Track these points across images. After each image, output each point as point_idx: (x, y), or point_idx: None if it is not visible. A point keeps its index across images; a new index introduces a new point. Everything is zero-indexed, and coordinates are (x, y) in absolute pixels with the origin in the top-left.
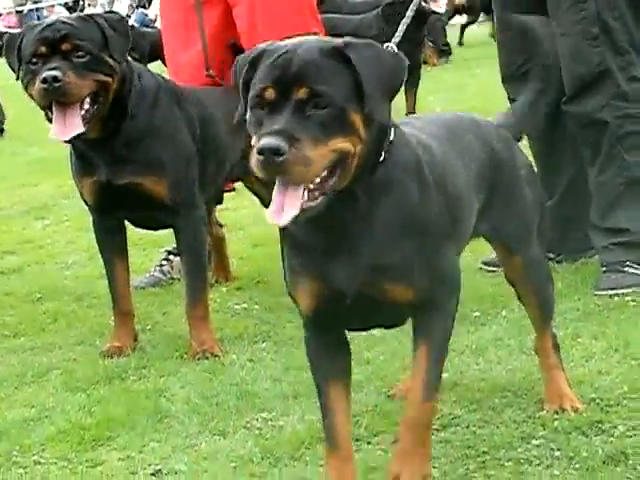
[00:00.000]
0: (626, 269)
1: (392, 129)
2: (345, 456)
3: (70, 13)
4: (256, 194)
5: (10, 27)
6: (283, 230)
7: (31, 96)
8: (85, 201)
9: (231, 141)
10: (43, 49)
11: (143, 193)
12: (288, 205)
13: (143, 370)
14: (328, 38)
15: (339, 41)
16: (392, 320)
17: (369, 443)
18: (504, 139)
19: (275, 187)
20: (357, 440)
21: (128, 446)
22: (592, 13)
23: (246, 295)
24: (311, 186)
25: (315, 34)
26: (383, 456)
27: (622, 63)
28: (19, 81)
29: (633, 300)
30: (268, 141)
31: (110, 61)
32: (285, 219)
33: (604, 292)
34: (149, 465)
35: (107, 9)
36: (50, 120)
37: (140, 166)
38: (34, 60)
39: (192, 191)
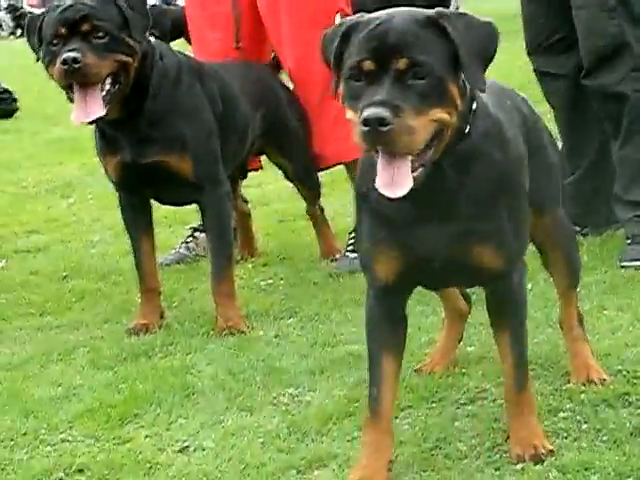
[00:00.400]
0: None
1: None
2: (385, 428)
3: None
4: (280, 167)
5: (33, 6)
6: (363, 203)
7: (52, 76)
8: (110, 179)
9: (253, 115)
10: (63, 30)
11: (168, 171)
12: (400, 177)
13: (169, 347)
14: (419, 9)
15: (432, 11)
16: (466, 284)
17: (396, 417)
18: (528, 104)
19: (380, 159)
20: None
21: (155, 423)
22: None
23: (271, 271)
24: (411, 157)
25: (341, 10)
26: (410, 430)
27: None
28: (39, 62)
29: None
30: (373, 111)
31: (130, 41)
32: (400, 192)
33: (629, 264)
34: (176, 442)
35: None
36: (71, 100)
37: (164, 144)
38: (54, 41)
39: (216, 167)
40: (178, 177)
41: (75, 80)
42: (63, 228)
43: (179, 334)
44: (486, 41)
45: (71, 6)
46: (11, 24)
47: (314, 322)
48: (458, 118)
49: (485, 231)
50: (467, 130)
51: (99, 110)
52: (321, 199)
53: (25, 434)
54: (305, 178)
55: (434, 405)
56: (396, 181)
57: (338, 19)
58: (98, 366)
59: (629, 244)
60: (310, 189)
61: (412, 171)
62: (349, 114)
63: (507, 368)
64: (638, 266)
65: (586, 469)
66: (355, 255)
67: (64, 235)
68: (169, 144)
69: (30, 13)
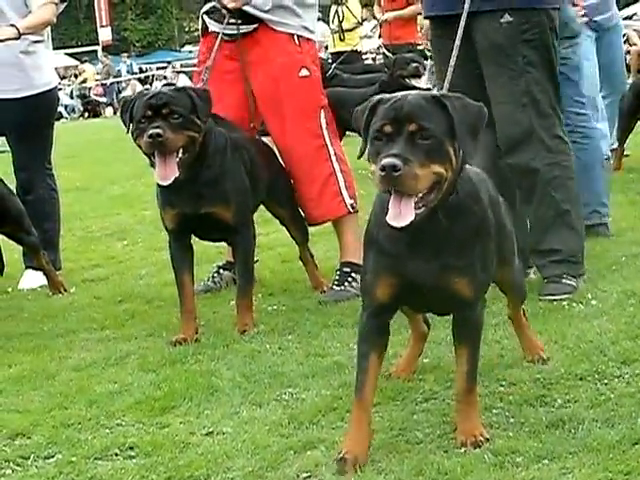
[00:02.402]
0: (563, 280)
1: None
2: (366, 407)
3: (142, 85)
4: (276, 215)
5: (97, 95)
6: (370, 243)
7: (139, 146)
8: (165, 226)
9: (264, 176)
10: (149, 112)
11: (215, 218)
12: (404, 212)
13: (199, 356)
14: (426, 91)
15: (437, 92)
16: (441, 309)
17: None
18: (491, 183)
19: (391, 199)
20: None
21: (187, 413)
22: (523, 88)
23: (276, 299)
24: (416, 199)
25: (324, 107)
26: (380, 421)
27: (545, 124)
28: (128, 134)
29: (568, 304)
30: (388, 161)
31: (197, 121)
32: (404, 222)
33: (546, 298)
34: (203, 427)
35: (170, 80)
36: (152, 165)
37: (215, 199)
38: (142, 120)
39: (248, 215)
40: (222, 223)
41: (157, 149)
42: (119, 264)
43: (206, 346)
44: (476, 118)
45: (156, 94)
46: (81, 108)
47: (308, 338)
48: (453, 174)
49: (462, 266)
50: (458, 190)
51: (175, 173)
52: (311, 246)
53: (89, 419)
54: (296, 222)
55: (398, 403)
56: (402, 215)
57: (322, 113)
58: (144, 369)
59: (546, 283)
60: (300, 231)
61: (416, 209)
62: (372, 167)
63: (460, 375)
64: (552, 299)
65: (513, 453)
66: (339, 288)
67: (119, 269)
68: (218, 199)
69: (96, 100)
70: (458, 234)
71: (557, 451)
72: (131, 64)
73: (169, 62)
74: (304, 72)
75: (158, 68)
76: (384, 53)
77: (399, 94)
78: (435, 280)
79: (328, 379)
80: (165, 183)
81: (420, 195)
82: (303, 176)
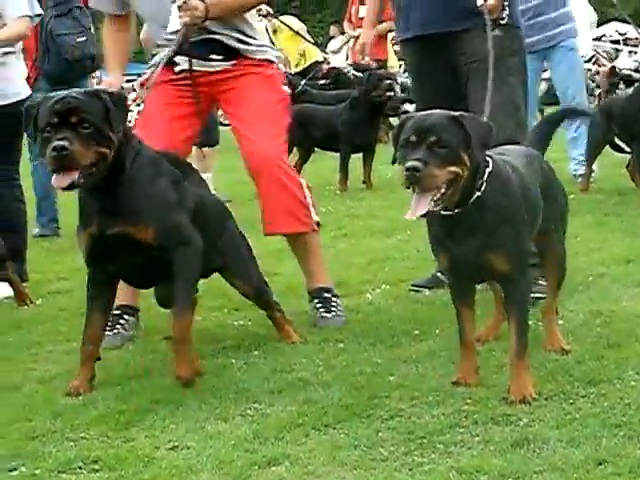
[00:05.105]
0: (538, 281)
1: (491, 163)
2: (470, 347)
3: None
4: (234, 286)
5: None
6: (430, 229)
7: (44, 158)
8: (83, 254)
9: (189, 188)
10: (55, 120)
11: (134, 239)
12: (419, 208)
13: (165, 370)
14: (448, 111)
15: (456, 113)
16: (483, 278)
17: (334, 429)
18: (547, 164)
19: (413, 195)
20: (325, 426)
21: (153, 427)
22: (507, 96)
23: (242, 315)
24: (436, 197)
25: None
26: (345, 438)
27: (522, 133)
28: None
29: (534, 323)
30: (411, 163)
31: (110, 134)
32: (417, 215)
33: None
34: (169, 442)
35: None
36: (54, 172)
37: (133, 218)
38: (47, 129)
39: (182, 231)
40: (142, 244)
41: (62, 165)
42: (84, 276)
43: (172, 360)
44: (486, 133)
45: (63, 98)
46: None
47: (274, 354)
48: (468, 175)
49: (495, 245)
50: (484, 187)
51: (73, 177)
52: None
53: (54, 432)
54: (257, 297)
55: (363, 420)
56: (415, 210)
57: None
58: (110, 383)
59: None
60: (262, 307)
61: (435, 206)
62: (400, 169)
63: (511, 341)
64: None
65: (477, 471)
66: (330, 315)
67: (85, 281)
68: (138, 217)
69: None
70: (489, 222)
71: (522, 470)
72: None
73: None
74: (283, 92)
75: None
76: (352, 71)
77: (425, 112)
78: (475, 258)
79: (293, 395)
80: (60, 187)
81: (439, 193)
82: (267, 181)
